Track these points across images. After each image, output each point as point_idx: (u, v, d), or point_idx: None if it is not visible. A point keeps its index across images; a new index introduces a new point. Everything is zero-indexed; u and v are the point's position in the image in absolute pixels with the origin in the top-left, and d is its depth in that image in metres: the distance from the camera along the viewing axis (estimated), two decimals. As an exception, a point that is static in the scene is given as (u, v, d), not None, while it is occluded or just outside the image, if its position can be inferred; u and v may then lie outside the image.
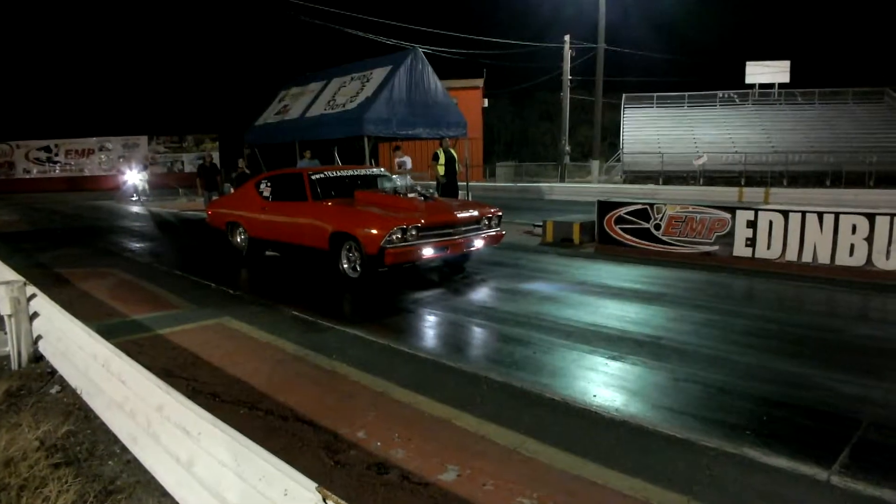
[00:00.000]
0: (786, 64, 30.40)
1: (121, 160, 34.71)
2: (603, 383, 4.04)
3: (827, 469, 2.88)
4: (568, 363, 4.45)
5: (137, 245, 11.61)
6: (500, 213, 7.89)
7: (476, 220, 7.58)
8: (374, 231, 6.70)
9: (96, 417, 3.47)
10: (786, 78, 30.50)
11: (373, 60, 13.53)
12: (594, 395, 3.82)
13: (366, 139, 11.95)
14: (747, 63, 30.79)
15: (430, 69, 13.05)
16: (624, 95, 32.74)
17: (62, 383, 4.07)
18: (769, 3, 42.56)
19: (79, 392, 3.78)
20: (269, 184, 8.73)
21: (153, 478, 2.73)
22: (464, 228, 7.39)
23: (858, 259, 7.17)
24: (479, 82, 32.33)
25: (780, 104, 31.02)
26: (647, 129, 31.03)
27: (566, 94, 26.93)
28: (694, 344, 4.81)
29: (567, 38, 26.36)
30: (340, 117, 12.51)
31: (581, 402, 3.72)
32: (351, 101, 12.63)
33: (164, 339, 5.25)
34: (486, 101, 32.63)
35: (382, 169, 9.66)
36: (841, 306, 6.35)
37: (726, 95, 32.11)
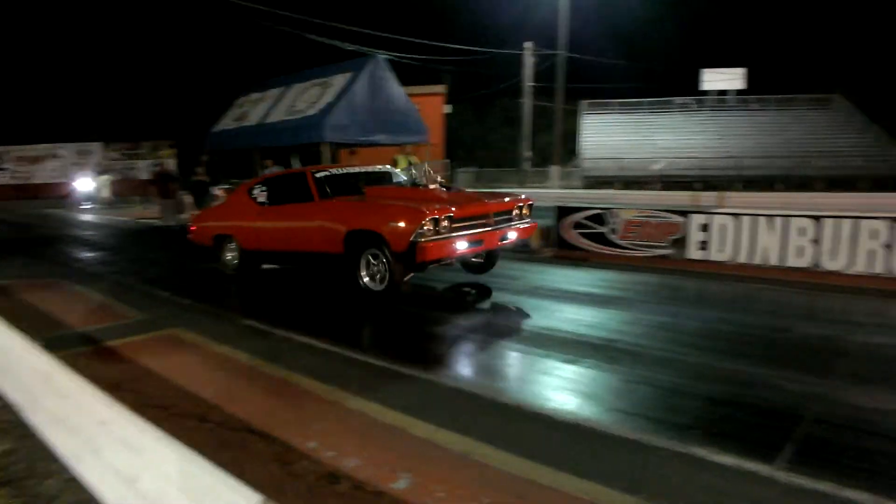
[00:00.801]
0: (741, 71, 31.18)
1: (73, 167, 33.76)
2: (557, 387, 4.07)
3: (771, 464, 2.96)
4: (522, 367, 4.48)
5: (88, 255, 11.26)
6: (531, 203, 7.23)
7: (508, 210, 6.92)
8: (402, 224, 5.91)
9: (37, 434, 3.35)
10: (741, 84, 31.26)
11: (333, 66, 13.48)
12: (548, 399, 3.85)
13: (326, 145, 11.87)
14: (703, 70, 31.54)
15: (391, 75, 13.06)
16: (583, 102, 33.16)
17: (1, 399, 3.91)
18: (726, 12, 43.82)
19: (18, 408, 3.64)
20: (264, 188, 7.84)
21: (94, 496, 2.64)
22: (497, 219, 6.68)
23: (807, 260, 7.41)
24: (441, 88, 32.36)
25: (736, 110, 31.86)
26: (606, 134, 31.51)
27: (527, 101, 27.20)
28: (647, 346, 4.89)
29: (527, 45, 26.64)
30: (301, 123, 12.42)
31: (534, 406, 3.74)
32: (311, 108, 12.55)
33: (113, 350, 5.10)
34: (447, 107, 32.71)
35: (388, 166, 8.88)
36: (789, 306, 6.54)
37: (683, 102, 32.86)
